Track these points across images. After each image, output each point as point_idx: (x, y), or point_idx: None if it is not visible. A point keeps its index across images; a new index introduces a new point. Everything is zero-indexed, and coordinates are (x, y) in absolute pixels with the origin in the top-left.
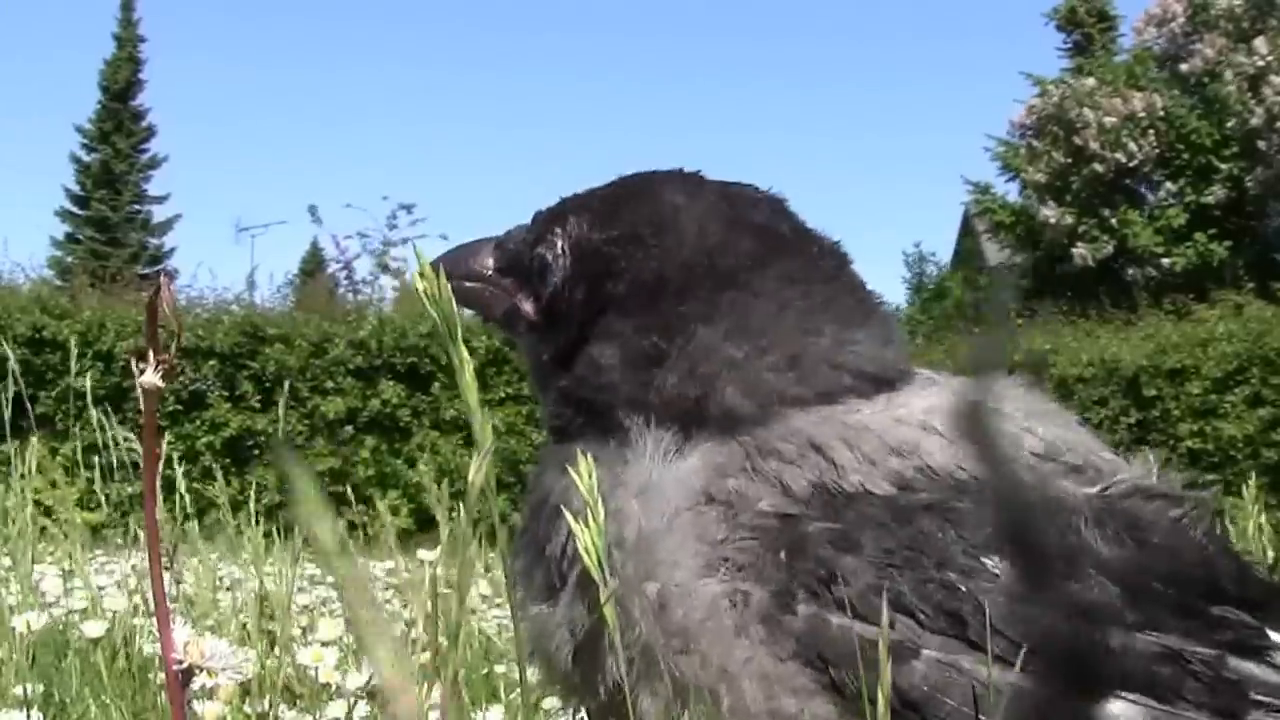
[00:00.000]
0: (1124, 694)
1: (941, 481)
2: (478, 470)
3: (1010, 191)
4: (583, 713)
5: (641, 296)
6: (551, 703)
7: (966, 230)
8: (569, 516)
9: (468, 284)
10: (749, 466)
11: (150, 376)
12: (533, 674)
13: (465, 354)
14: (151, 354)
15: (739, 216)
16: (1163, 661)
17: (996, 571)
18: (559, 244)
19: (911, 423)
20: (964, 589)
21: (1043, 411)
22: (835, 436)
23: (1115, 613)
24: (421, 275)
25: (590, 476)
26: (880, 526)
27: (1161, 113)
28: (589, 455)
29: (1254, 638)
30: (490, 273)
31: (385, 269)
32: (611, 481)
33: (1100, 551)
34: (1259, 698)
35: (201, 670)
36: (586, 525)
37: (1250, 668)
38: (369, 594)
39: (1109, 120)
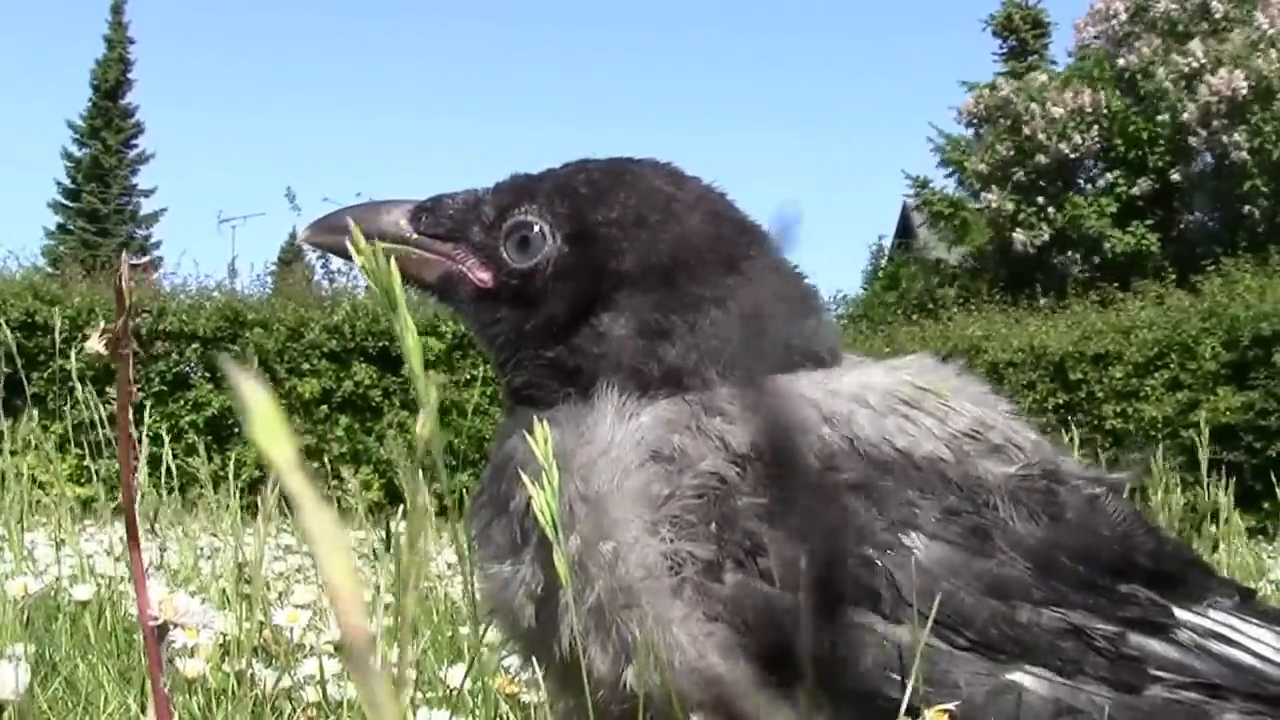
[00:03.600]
0: (1028, 666)
1: (867, 455)
2: (423, 425)
3: (949, 185)
4: (539, 669)
5: (653, 276)
6: (510, 661)
7: (905, 223)
8: (524, 477)
9: (386, 245)
10: (694, 425)
11: (94, 343)
12: (492, 632)
13: (409, 321)
14: (102, 323)
15: (722, 208)
16: (1066, 637)
17: (912, 548)
18: (538, 221)
19: (845, 395)
20: (879, 564)
21: (972, 393)
22: None
23: (1024, 588)
24: (359, 250)
25: (546, 442)
26: (805, 502)
27: (1105, 109)
28: (558, 419)
29: (1158, 615)
30: (414, 236)
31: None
32: (577, 441)
33: (1015, 529)
34: (1157, 673)
35: (176, 625)
36: (542, 486)
37: (1152, 645)
38: (311, 485)
39: (1057, 111)
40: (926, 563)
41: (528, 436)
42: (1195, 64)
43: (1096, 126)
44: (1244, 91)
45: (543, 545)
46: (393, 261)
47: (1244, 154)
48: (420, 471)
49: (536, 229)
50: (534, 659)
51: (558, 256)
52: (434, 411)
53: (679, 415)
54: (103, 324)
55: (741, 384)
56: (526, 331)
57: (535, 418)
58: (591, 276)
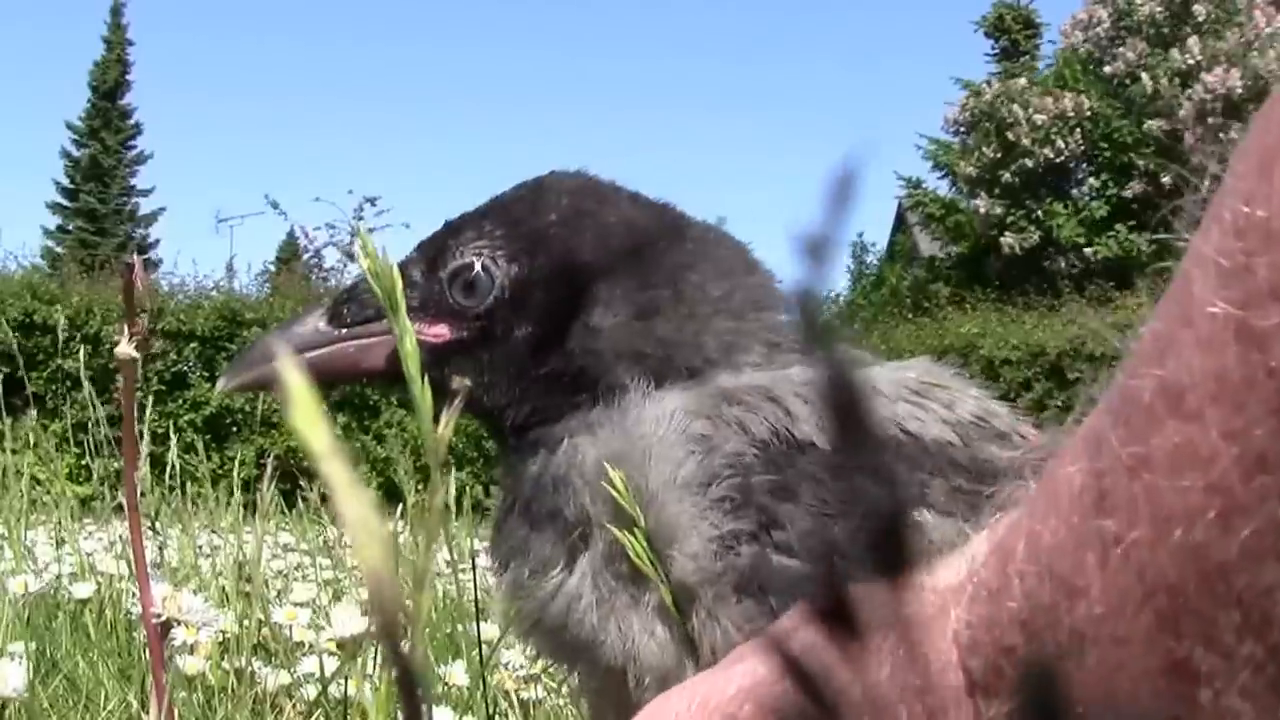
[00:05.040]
0: None
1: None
2: (445, 425)
3: (941, 186)
4: (588, 680)
5: (617, 260)
6: (509, 657)
7: (900, 223)
8: (579, 484)
9: (316, 352)
10: (713, 413)
11: (125, 347)
12: (490, 629)
13: (408, 324)
14: (127, 327)
15: (639, 195)
16: None
17: (924, 525)
18: (476, 257)
19: None
20: None
21: (974, 391)
22: (790, 391)
23: None
24: (367, 254)
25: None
26: (818, 481)
27: (1088, 112)
28: (588, 422)
29: None
30: (343, 331)
31: (351, 258)
32: (624, 440)
33: None
34: None
35: (179, 623)
36: (615, 489)
37: None
38: (352, 474)
39: (1039, 118)
40: (939, 541)
41: (573, 444)
42: (1191, 61)
43: (1079, 130)
44: (1239, 90)
45: (599, 553)
46: (394, 265)
47: None
48: (438, 471)
49: (478, 265)
50: (582, 668)
51: (513, 279)
52: (454, 412)
53: (699, 404)
54: (128, 327)
55: (804, 358)
56: (516, 359)
57: (566, 429)
58: (557, 281)
